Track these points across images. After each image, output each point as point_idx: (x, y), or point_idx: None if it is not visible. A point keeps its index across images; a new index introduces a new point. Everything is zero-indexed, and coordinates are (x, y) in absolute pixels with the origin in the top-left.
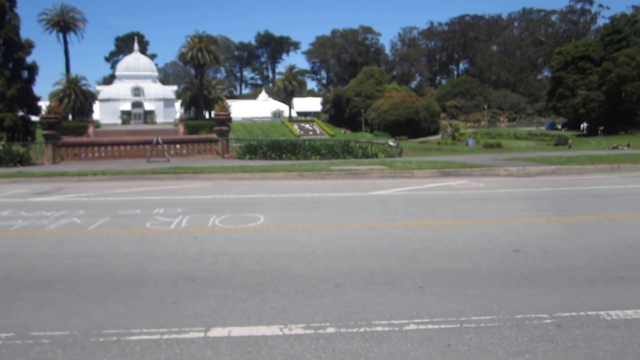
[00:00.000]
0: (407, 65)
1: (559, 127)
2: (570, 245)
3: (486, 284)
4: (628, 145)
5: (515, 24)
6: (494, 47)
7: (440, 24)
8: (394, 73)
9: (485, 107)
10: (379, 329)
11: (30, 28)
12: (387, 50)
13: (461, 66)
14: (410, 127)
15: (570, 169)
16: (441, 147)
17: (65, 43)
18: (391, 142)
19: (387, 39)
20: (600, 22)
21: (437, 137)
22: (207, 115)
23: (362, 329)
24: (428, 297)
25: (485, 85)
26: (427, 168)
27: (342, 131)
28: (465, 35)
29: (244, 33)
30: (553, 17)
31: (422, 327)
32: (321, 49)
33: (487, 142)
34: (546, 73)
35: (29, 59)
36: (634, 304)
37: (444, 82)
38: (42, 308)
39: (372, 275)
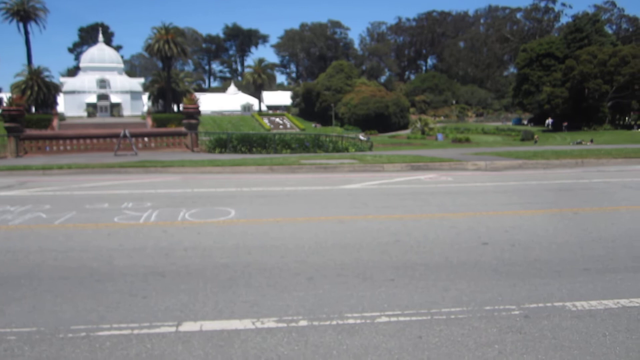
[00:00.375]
0: (376, 60)
1: (525, 122)
2: (536, 237)
3: (456, 276)
4: (591, 141)
5: (482, 21)
6: (461, 43)
7: (408, 19)
8: (363, 68)
9: (454, 102)
10: (351, 321)
11: None
12: (356, 45)
13: (429, 62)
14: (380, 121)
15: (536, 164)
16: (411, 142)
17: (26, 33)
18: (361, 136)
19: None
20: (564, 20)
21: (407, 132)
22: (175, 109)
23: (334, 322)
24: (399, 290)
25: (453, 80)
26: (398, 162)
27: (313, 125)
28: (432, 31)
29: (211, 26)
30: (518, 15)
31: (393, 319)
32: (290, 42)
33: (456, 137)
34: (512, 69)
35: None
36: (598, 295)
37: (412, 77)
38: (7, 304)
39: (343, 269)
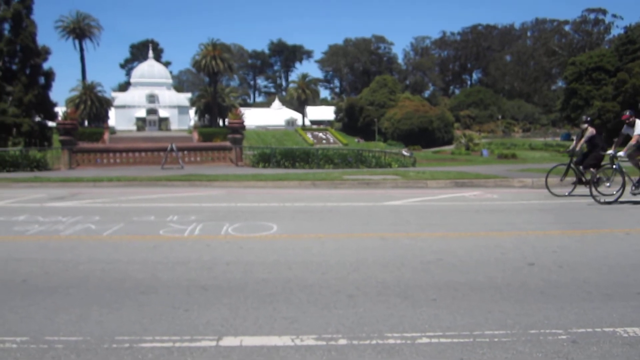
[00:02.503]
0: (420, 74)
1: (574, 138)
2: (585, 259)
3: (500, 298)
4: None
5: (528, 34)
6: (507, 57)
7: (452, 33)
8: (407, 82)
9: (499, 117)
10: (391, 341)
11: (46, 35)
12: (400, 60)
13: (474, 76)
14: (423, 136)
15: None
16: (455, 157)
17: (81, 50)
18: (404, 152)
19: (399, 48)
20: (615, 32)
21: (451, 147)
22: (220, 123)
23: (374, 342)
24: (441, 310)
25: (499, 95)
26: (441, 178)
27: (356, 140)
28: (478, 44)
29: (257, 41)
30: (566, 27)
31: (434, 340)
32: (334, 57)
33: (502, 153)
34: (560, 83)
35: (45, 65)
36: None
37: (457, 91)
38: (56, 313)
39: (384, 287)
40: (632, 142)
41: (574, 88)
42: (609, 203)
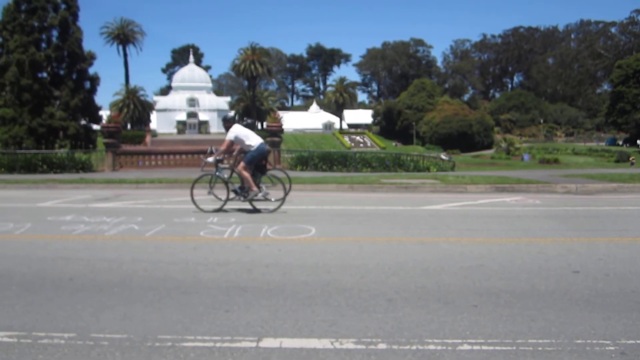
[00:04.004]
0: (460, 77)
1: (620, 143)
2: (634, 267)
3: (544, 306)
4: None
5: (572, 36)
6: (550, 60)
7: (493, 36)
8: (446, 86)
9: (541, 121)
10: (431, 347)
11: (91, 40)
12: (439, 63)
13: (515, 79)
14: (462, 140)
15: (633, 187)
16: (495, 162)
17: (125, 55)
18: (443, 156)
19: (438, 51)
20: None
21: (491, 152)
22: (259, 126)
23: (414, 347)
24: (482, 317)
25: (541, 98)
26: (481, 183)
27: (393, 144)
28: (519, 47)
29: (295, 45)
30: (613, 29)
31: (476, 347)
32: (372, 61)
33: (544, 158)
34: (606, 87)
35: (90, 70)
36: None
37: (497, 95)
38: (102, 311)
39: (424, 292)
40: None
41: (621, 91)
42: None
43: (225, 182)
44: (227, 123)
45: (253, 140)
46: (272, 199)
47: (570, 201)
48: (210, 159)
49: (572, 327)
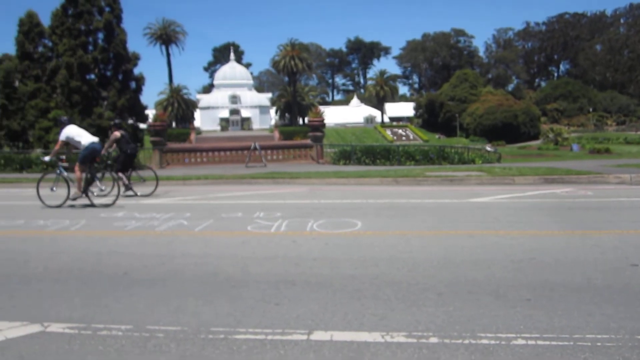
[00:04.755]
0: (503, 67)
1: None
2: None
3: (601, 300)
4: None
5: (621, 21)
6: (598, 46)
7: (537, 23)
8: (489, 76)
9: (590, 110)
10: (484, 341)
11: (135, 42)
12: (481, 53)
13: (562, 67)
14: (507, 131)
15: None
16: (542, 153)
17: (168, 55)
18: (488, 147)
19: (480, 41)
20: None
21: (538, 142)
22: (300, 122)
23: (466, 341)
24: (537, 311)
25: (589, 86)
26: (529, 175)
27: (436, 136)
28: (565, 34)
29: (334, 40)
30: None
31: (531, 342)
32: (412, 53)
33: (594, 147)
34: None
35: (135, 71)
36: None
37: (543, 84)
38: (156, 304)
39: (474, 285)
40: None
41: None
42: None
43: (66, 180)
44: (62, 125)
45: (85, 139)
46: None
47: (625, 192)
48: (46, 158)
49: (633, 322)
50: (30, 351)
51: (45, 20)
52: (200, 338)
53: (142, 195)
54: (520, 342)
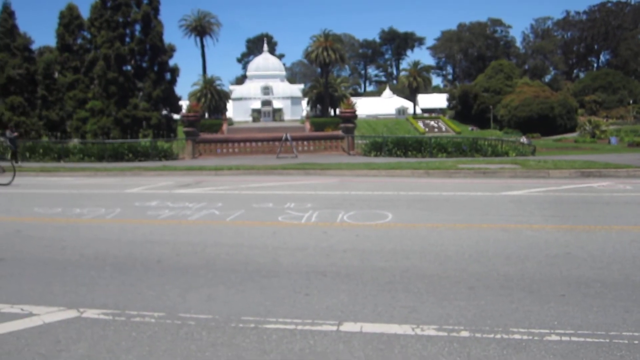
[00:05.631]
0: (540, 58)
1: None
2: None
3: (639, 297)
4: None
5: None
6: None
7: (577, 12)
8: (526, 67)
9: (630, 102)
10: (517, 336)
11: (171, 33)
12: (518, 43)
13: (602, 58)
14: (543, 124)
15: None
16: (579, 146)
17: (202, 46)
18: (523, 140)
19: (518, 31)
20: None
21: (574, 135)
22: (332, 113)
23: (498, 336)
24: (571, 307)
25: (630, 78)
26: (565, 168)
27: (469, 128)
28: (606, 24)
29: (368, 30)
30: None
31: (565, 338)
32: (447, 43)
33: (633, 141)
34: None
35: (170, 62)
36: None
37: (582, 75)
38: (188, 292)
39: (507, 280)
40: None
41: None
42: None
43: None
44: None
45: None
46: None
47: None
48: None
49: None
50: (66, 336)
51: (85, 13)
52: (230, 327)
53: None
54: (554, 338)
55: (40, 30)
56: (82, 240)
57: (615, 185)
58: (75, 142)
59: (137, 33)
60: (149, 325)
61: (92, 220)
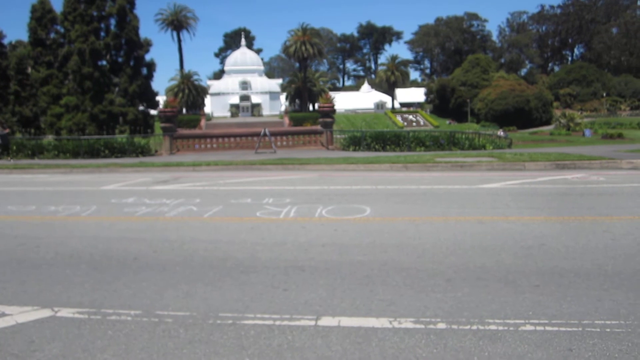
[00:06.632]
0: (516, 52)
1: None
2: None
3: (611, 286)
4: None
5: (638, 3)
6: (614, 30)
7: (552, 6)
8: (502, 60)
9: (604, 94)
10: (492, 327)
11: (147, 27)
12: (495, 37)
13: (576, 51)
14: (519, 117)
15: None
16: (554, 138)
17: (179, 41)
18: (500, 133)
19: (494, 25)
20: None
21: (550, 128)
22: (311, 108)
23: (474, 327)
24: (546, 297)
25: (603, 71)
26: (540, 160)
27: (447, 122)
28: (580, 17)
29: (346, 25)
30: None
31: (539, 328)
32: (425, 38)
33: (607, 133)
34: None
35: (147, 57)
36: None
37: (557, 68)
38: (165, 289)
39: (483, 271)
40: None
41: None
42: None
43: None
44: None
45: None
46: None
47: (637, 177)
48: None
49: None
50: (40, 336)
51: (58, 7)
52: (208, 323)
53: None
54: (529, 327)
55: (12, 25)
56: (57, 238)
57: (589, 177)
58: (49, 138)
59: (112, 27)
60: (125, 324)
61: (68, 218)
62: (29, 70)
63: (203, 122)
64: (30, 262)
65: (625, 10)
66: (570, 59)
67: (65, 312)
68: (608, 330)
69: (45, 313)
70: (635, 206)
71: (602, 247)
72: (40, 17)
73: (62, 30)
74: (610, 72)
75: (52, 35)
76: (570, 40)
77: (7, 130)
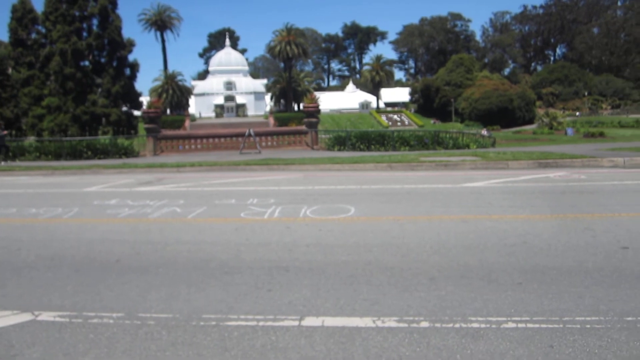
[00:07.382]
0: (500, 51)
1: None
2: None
3: (592, 283)
4: None
5: (619, 4)
6: (595, 30)
7: (535, 7)
8: (486, 60)
9: (586, 93)
10: (475, 325)
11: (130, 28)
12: (478, 37)
13: (558, 51)
14: (503, 116)
15: None
16: (537, 137)
17: (163, 41)
18: (484, 132)
19: (477, 25)
20: None
21: (533, 127)
22: (295, 108)
23: (457, 325)
24: (528, 295)
25: (585, 70)
26: (523, 159)
27: (431, 121)
28: (562, 17)
29: (331, 25)
30: None
31: (521, 325)
32: (409, 38)
33: (588, 131)
34: None
35: (130, 57)
36: None
37: (539, 68)
38: (148, 291)
39: (467, 270)
40: None
41: None
42: None
43: None
44: None
45: None
46: None
47: (618, 175)
48: None
49: (622, 304)
50: (20, 340)
51: (39, 7)
52: (191, 325)
53: None
54: (511, 325)
55: None
56: (39, 240)
57: (571, 175)
58: (31, 140)
59: (94, 27)
60: (107, 327)
61: (49, 220)
62: (10, 71)
63: (187, 123)
64: (10, 265)
65: (606, 10)
66: (552, 58)
67: (46, 316)
68: (588, 326)
69: (26, 317)
70: (615, 204)
71: (583, 244)
72: (21, 17)
73: (43, 30)
74: (592, 72)
75: (34, 36)
76: (552, 40)
77: (5, 132)
